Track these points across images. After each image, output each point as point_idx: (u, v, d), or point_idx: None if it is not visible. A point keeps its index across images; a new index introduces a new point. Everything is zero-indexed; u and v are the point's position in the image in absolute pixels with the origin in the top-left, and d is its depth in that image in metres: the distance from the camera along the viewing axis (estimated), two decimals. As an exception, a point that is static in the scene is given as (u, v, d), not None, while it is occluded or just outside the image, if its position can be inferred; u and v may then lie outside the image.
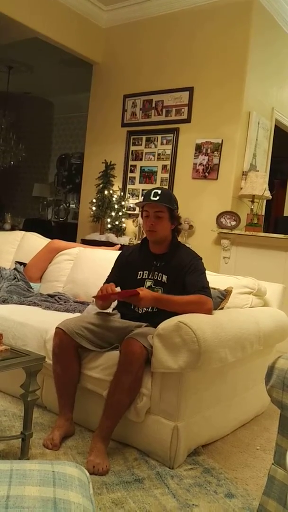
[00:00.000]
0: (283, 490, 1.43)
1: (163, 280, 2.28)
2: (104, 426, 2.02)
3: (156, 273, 2.30)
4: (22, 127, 8.06)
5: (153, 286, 2.29)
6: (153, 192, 2.22)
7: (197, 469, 2.03)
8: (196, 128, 4.68)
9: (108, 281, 2.36)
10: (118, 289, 2.26)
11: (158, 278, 2.29)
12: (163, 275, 2.28)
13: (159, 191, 2.23)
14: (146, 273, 2.32)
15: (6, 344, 2.02)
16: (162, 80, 4.91)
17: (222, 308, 2.40)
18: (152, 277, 2.31)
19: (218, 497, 1.82)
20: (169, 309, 2.11)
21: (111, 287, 2.19)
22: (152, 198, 2.22)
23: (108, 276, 2.42)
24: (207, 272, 2.31)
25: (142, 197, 2.42)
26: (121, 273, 2.39)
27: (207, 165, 4.58)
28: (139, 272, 2.33)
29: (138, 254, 2.39)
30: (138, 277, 2.32)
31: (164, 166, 4.94)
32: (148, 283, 2.30)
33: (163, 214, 2.23)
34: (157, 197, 2.21)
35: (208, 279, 2.25)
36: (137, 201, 5.12)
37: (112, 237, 4.97)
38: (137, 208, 5.07)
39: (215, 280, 2.59)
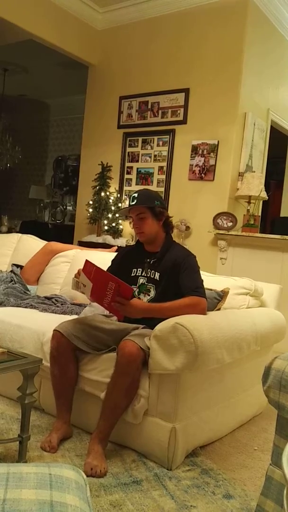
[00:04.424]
0: (280, 491, 1.43)
1: (155, 278, 2.29)
2: (102, 428, 2.02)
3: (149, 270, 2.32)
4: (18, 130, 8.05)
5: (145, 283, 2.31)
6: (131, 197, 2.31)
7: (195, 470, 2.03)
8: (192, 129, 4.68)
9: None
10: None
11: (151, 276, 2.31)
12: (156, 273, 2.30)
13: (136, 194, 2.30)
14: (139, 270, 2.35)
15: (3, 347, 2.02)
16: (158, 81, 4.92)
17: (219, 309, 2.40)
18: (145, 275, 2.33)
19: (216, 498, 1.82)
20: (162, 317, 2.08)
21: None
22: (131, 203, 2.29)
23: (108, 269, 2.42)
24: (204, 273, 2.31)
25: None
26: (119, 267, 2.41)
27: (203, 166, 4.59)
28: (133, 269, 2.36)
29: (134, 252, 2.43)
30: (132, 274, 2.35)
31: (161, 168, 4.94)
32: (141, 280, 2.33)
33: (144, 214, 2.28)
34: (135, 201, 2.28)
35: (204, 279, 2.25)
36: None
37: (109, 239, 4.97)
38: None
39: (212, 281, 2.59)
